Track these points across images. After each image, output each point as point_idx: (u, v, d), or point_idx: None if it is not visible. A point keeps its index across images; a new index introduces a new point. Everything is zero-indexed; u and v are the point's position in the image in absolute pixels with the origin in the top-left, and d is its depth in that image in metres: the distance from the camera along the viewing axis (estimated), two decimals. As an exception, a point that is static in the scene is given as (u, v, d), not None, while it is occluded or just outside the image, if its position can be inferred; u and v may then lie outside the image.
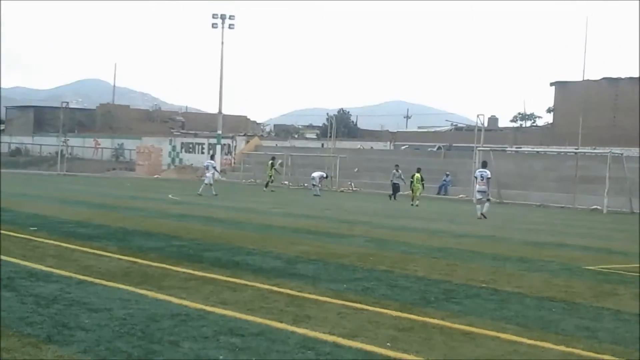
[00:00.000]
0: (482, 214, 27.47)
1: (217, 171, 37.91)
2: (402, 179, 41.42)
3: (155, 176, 66.49)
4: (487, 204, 28.14)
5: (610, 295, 10.50)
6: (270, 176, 47.21)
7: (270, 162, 48.04)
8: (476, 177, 28.72)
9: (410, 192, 38.70)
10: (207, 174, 37.28)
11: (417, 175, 38.52)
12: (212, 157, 41.23)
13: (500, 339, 7.35)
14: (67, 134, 71.76)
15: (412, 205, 35.69)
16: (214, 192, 34.97)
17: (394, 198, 40.86)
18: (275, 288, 9.57)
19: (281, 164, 62.21)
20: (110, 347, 6.29)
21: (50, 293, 8.48)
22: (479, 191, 28.34)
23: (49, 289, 8.72)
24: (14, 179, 43.74)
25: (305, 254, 13.38)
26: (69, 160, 68.23)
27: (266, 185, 46.41)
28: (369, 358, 6.41)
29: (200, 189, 35.61)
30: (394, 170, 42.13)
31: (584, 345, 7.29)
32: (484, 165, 29.41)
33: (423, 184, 39.16)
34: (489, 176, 28.28)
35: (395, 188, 41.55)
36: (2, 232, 14.47)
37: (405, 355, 6.52)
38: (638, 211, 38.64)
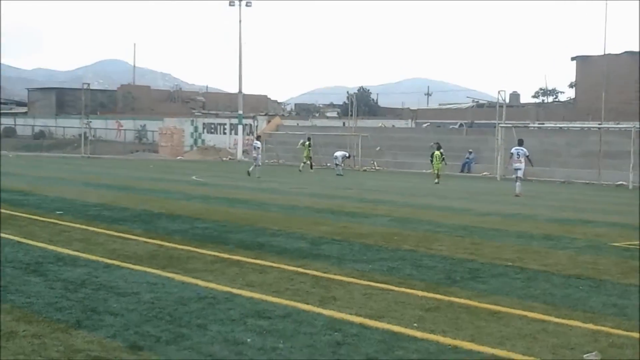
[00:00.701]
0: (518, 194, 27.42)
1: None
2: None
3: (178, 157, 66.68)
4: (518, 183, 28.10)
5: (637, 271, 10.42)
6: (309, 157, 47.48)
7: (307, 142, 48.24)
8: (512, 154, 28.70)
9: (432, 169, 38.38)
10: (255, 154, 37.55)
11: (437, 152, 37.95)
12: (258, 138, 40.81)
13: (528, 318, 7.34)
14: (90, 116, 72.08)
15: (436, 183, 35.52)
16: (257, 175, 35.07)
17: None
18: (300, 269, 9.60)
19: (303, 144, 62.29)
20: (139, 331, 6.35)
21: (78, 277, 8.56)
22: (516, 169, 28.43)
23: (77, 274, 8.80)
24: (38, 163, 44.10)
25: (329, 234, 13.39)
26: (93, 142, 68.53)
27: (310, 167, 46.81)
28: (397, 338, 6.42)
29: (251, 168, 36.19)
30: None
31: (612, 322, 7.26)
32: (520, 143, 29.35)
33: (444, 161, 38.63)
34: (527, 154, 28.42)
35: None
36: (29, 216, 14.62)
37: (432, 336, 6.53)
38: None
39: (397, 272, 9.73)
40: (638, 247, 13.20)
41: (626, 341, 6.62)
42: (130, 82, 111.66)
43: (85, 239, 11.90)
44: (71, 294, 7.68)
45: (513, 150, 28.99)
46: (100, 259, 9.87)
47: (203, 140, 74.09)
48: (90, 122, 70.56)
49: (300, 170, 43.32)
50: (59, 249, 10.61)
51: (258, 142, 39.18)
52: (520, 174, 28.35)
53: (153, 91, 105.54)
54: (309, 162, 47.52)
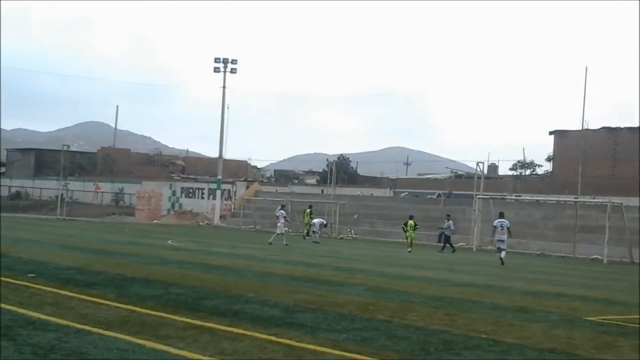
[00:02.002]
0: (500, 258, 29.43)
1: (286, 220, 38.04)
2: (452, 230, 41.35)
3: (155, 221, 66.43)
4: (504, 252, 29.98)
5: (611, 346, 10.44)
6: (308, 224, 47.24)
7: (308, 210, 48.59)
8: (495, 227, 30.46)
9: (406, 239, 38.88)
10: (279, 224, 37.28)
11: (411, 222, 38.89)
12: (283, 207, 40.17)
13: (500, 393, 7.30)
14: (68, 178, 71.90)
15: (409, 251, 36.00)
16: (284, 242, 35.37)
17: (448, 248, 40.09)
18: (273, 338, 9.51)
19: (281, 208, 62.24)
20: (107, 398, 6.24)
21: (48, 342, 8.43)
22: (499, 240, 30.24)
23: (47, 338, 8.66)
24: (13, 224, 43.71)
25: (304, 302, 13.32)
26: (69, 204, 68.24)
27: (307, 234, 46.65)
28: (368, 412, 6.36)
29: (272, 238, 36.32)
30: (449, 222, 41.52)
31: (584, 399, 7.24)
32: (502, 215, 31.38)
33: (416, 230, 39.56)
34: (509, 225, 30.57)
35: (447, 238, 40.96)
36: (1, 278, 14.43)
37: (404, 409, 6.47)
38: (638, 261, 38.58)
39: (371, 342, 9.67)
40: (611, 321, 13.24)
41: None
42: (111, 144, 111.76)
43: (57, 302, 11.75)
44: None
45: (496, 222, 30.58)
46: (71, 324, 9.73)
47: (181, 205, 73.94)
48: (68, 183, 70.37)
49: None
50: (30, 313, 10.47)
51: (283, 211, 38.82)
52: (504, 245, 30.15)
53: (133, 154, 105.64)
54: (308, 228, 47.67)
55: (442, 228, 42.62)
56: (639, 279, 24.59)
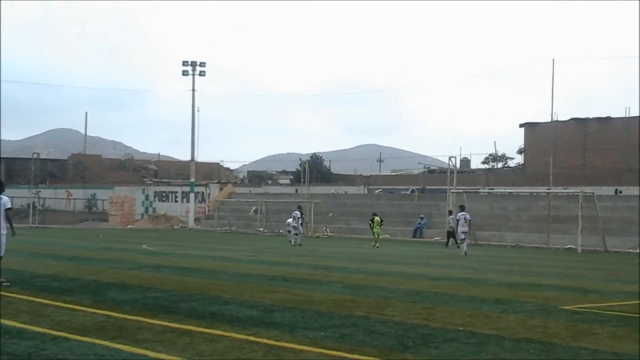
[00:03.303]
0: (465, 250, 31.02)
1: (303, 222, 39.69)
2: (451, 225, 41.40)
3: (129, 226, 66.07)
4: (465, 245, 31.49)
5: (587, 334, 10.53)
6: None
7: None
8: (458, 220, 31.84)
9: (373, 235, 39.85)
10: (295, 224, 39.15)
11: (377, 218, 40.08)
12: (299, 208, 41.49)
13: (479, 384, 7.35)
14: (39, 185, 71.29)
15: (374, 246, 37.26)
16: (298, 243, 37.82)
17: (449, 244, 40.10)
18: (252, 338, 9.50)
19: (255, 211, 62.19)
20: (86, 404, 6.20)
21: (25, 350, 8.37)
22: (463, 232, 31.65)
23: (23, 347, 8.59)
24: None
25: (281, 301, 13.32)
26: (41, 212, 67.69)
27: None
28: (349, 407, 6.37)
29: (298, 240, 38.44)
30: (451, 216, 41.44)
31: (562, 387, 7.30)
32: (463, 208, 32.88)
33: (381, 226, 40.75)
34: (469, 218, 32.05)
35: (451, 234, 40.87)
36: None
37: (384, 403, 6.49)
38: (612, 250, 38.99)
39: (350, 339, 9.69)
40: (587, 309, 13.36)
41: (576, 404, 6.65)
42: (81, 150, 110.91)
43: (32, 310, 11.65)
44: (16, 368, 7.50)
45: (459, 215, 32.01)
46: (48, 331, 9.66)
47: (154, 209, 73.60)
48: (39, 191, 69.76)
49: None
50: (5, 322, 10.37)
51: (298, 212, 40.23)
52: (467, 237, 31.99)
53: (104, 160, 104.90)
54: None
55: (420, 224, 42.73)
56: (612, 267, 24.83)
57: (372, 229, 40.15)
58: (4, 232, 15.32)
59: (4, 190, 15.86)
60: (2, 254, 15.20)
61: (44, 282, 16.13)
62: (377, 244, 37.94)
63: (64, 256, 25.24)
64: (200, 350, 8.64)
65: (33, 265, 20.94)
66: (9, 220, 15.53)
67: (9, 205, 15.66)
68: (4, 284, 15.00)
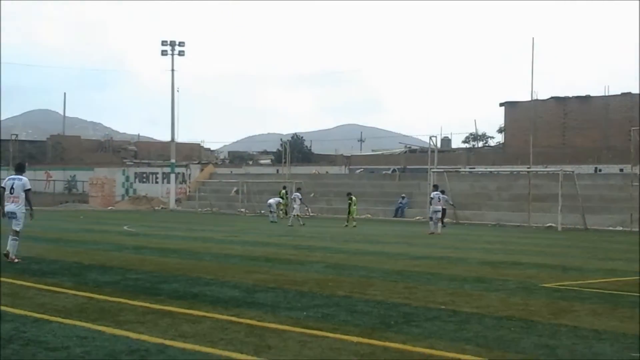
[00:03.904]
0: (437, 227, 31.85)
1: (303, 203, 40.22)
2: (452, 204, 41.69)
3: (110, 207, 65.76)
4: (440, 224, 32.31)
5: (567, 312, 10.62)
6: (285, 205, 49.26)
7: (284, 191, 50.62)
8: (432, 198, 32.33)
9: (348, 214, 39.94)
10: (295, 205, 39.15)
11: (354, 198, 40.34)
12: (299, 190, 41.50)
13: (461, 361, 7.39)
14: (18, 168, 70.69)
15: (348, 226, 37.68)
16: (301, 223, 37.79)
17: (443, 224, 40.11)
18: (234, 318, 9.50)
19: (236, 192, 62.09)
20: (68, 386, 6.18)
21: (6, 333, 8.32)
22: (436, 211, 32.11)
23: (4, 329, 8.54)
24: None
25: (263, 282, 13.33)
26: (21, 194, 67.16)
27: (286, 214, 47.71)
28: (332, 386, 6.38)
29: (290, 221, 38.36)
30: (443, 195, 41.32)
31: (543, 364, 7.35)
32: (436, 187, 33.96)
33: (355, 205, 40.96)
34: (445, 197, 33.06)
35: (443, 213, 40.63)
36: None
37: (367, 382, 6.51)
38: (591, 228, 39.28)
39: (332, 318, 9.71)
40: (567, 287, 13.47)
41: (557, 381, 6.71)
42: (60, 132, 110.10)
43: (13, 293, 11.59)
44: (-3, 351, 7.46)
45: (434, 194, 32.65)
46: (29, 314, 9.61)
47: (135, 190, 73.26)
48: (19, 173, 69.16)
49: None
50: (-15, 304, 10.31)
51: (298, 194, 40.30)
52: (439, 215, 32.69)
53: (83, 141, 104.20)
54: (285, 209, 48.97)
55: (401, 203, 42.65)
56: (592, 245, 25.03)
57: (349, 208, 40.04)
58: (23, 210, 16.49)
59: (25, 172, 16.99)
60: (19, 229, 16.39)
61: (25, 264, 16.03)
62: (348, 224, 38.16)
63: (45, 238, 25.08)
64: (182, 331, 8.63)
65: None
66: (28, 201, 16.57)
67: (29, 187, 16.62)
68: (15, 261, 16.04)
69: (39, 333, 8.37)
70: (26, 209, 16.59)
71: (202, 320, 9.34)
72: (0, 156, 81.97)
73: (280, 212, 48.44)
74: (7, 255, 16.15)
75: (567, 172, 42.24)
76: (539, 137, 55.55)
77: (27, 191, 16.49)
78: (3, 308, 10.04)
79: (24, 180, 16.53)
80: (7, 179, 16.87)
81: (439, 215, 32.54)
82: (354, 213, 39.86)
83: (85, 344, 7.80)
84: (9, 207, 16.40)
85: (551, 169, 46.25)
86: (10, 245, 16.33)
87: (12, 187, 16.41)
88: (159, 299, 11.03)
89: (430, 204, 32.73)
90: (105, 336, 8.25)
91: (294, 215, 38.68)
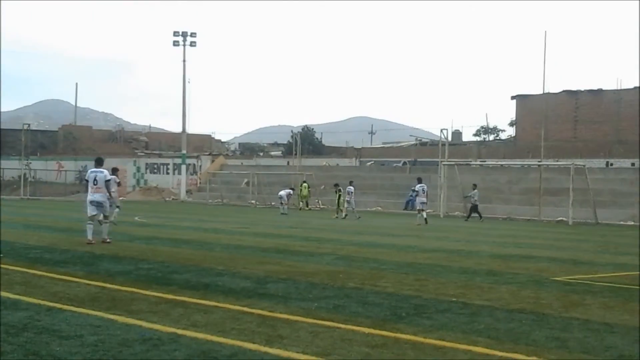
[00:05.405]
0: (425, 220, 33.47)
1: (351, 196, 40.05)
2: (476, 199, 41.62)
3: (120, 198, 65.83)
4: (425, 213, 34.20)
5: (578, 305, 10.62)
6: (305, 197, 51.97)
7: (305, 183, 52.74)
8: (417, 191, 34.78)
9: (337, 206, 41.34)
10: (348, 199, 39.61)
11: (342, 189, 41.33)
12: (351, 184, 41.18)
13: (472, 352, 7.40)
14: (30, 157, 70.99)
15: (338, 217, 39.09)
16: (342, 216, 38.96)
17: (474, 217, 40.33)
18: (246, 309, 9.54)
19: (247, 183, 62.17)
20: (82, 374, 6.23)
21: (20, 321, 8.38)
22: (422, 202, 34.49)
23: (18, 317, 8.61)
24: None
25: (274, 273, 13.36)
26: (32, 183, 67.46)
27: (307, 205, 51.64)
28: (343, 377, 6.41)
29: (344, 215, 39.20)
30: (475, 191, 41.47)
31: (554, 355, 7.36)
32: (420, 180, 35.54)
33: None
34: (427, 189, 35.02)
35: (474, 208, 40.78)
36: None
37: (379, 373, 6.53)
38: (603, 222, 39.17)
39: (343, 309, 9.74)
40: (578, 280, 13.46)
41: (569, 373, 6.71)
42: (72, 122, 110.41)
43: (26, 282, 11.67)
44: (12, 338, 7.51)
45: (418, 187, 34.78)
46: (42, 302, 9.67)
47: (146, 181, 73.47)
48: (30, 163, 69.49)
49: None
50: (-1, 293, 10.38)
51: (352, 187, 40.47)
52: (425, 207, 34.65)
53: (95, 131, 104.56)
54: (305, 201, 51.59)
55: (411, 196, 42.80)
56: (603, 239, 24.97)
57: (338, 199, 41.08)
58: (106, 199, 18.90)
59: (103, 164, 19.36)
60: (107, 214, 19.27)
61: (37, 253, 16.14)
62: (338, 216, 39.48)
63: (57, 228, 25.24)
64: (194, 320, 8.67)
65: (25, 236, 20.93)
66: (108, 190, 18.93)
67: (109, 178, 18.98)
68: (107, 241, 18.76)
69: (52, 321, 8.43)
70: (107, 197, 18.98)
71: (214, 310, 9.39)
72: (0, 145, 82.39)
73: (301, 203, 49.96)
74: (103, 240, 18.80)
75: (579, 166, 42.13)
76: (551, 130, 55.39)
77: (107, 182, 18.76)
78: (16, 297, 10.11)
79: (104, 172, 18.89)
80: (89, 172, 19.17)
81: (425, 206, 34.57)
82: (343, 204, 40.48)
83: (98, 333, 7.85)
84: (93, 196, 18.60)
85: (562, 162, 46.12)
86: (104, 229, 19.03)
87: (95, 179, 18.61)
88: (171, 289, 11.08)
89: (416, 196, 35.23)
90: (118, 325, 8.30)
91: (351, 209, 39.41)
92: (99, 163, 19.41)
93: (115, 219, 22.27)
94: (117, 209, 23.09)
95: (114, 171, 21.05)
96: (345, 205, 39.60)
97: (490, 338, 8.10)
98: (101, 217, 19.01)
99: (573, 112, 64.49)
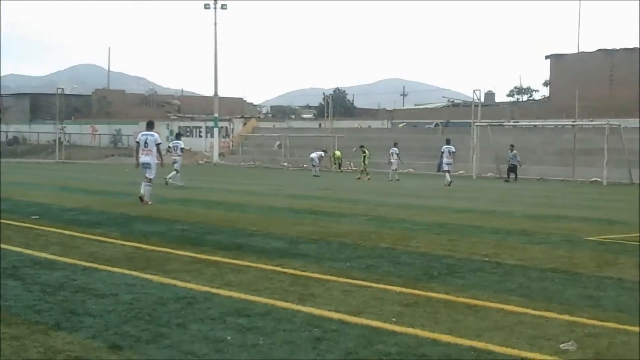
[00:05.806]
0: (449, 180, 33.21)
1: (399, 158, 40.51)
2: (519, 160, 41.87)
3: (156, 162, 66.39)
4: (448, 175, 33.85)
5: (612, 264, 10.56)
6: (339, 158, 53.05)
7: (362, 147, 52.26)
8: (443, 152, 34.36)
9: (363, 167, 41.95)
10: (392, 160, 39.81)
11: (368, 152, 42.52)
12: (396, 145, 41.44)
13: (505, 311, 7.41)
14: (64, 121, 71.65)
15: (361, 178, 39.76)
16: (396, 178, 38.73)
17: (512, 179, 40.98)
18: (278, 268, 9.62)
19: (279, 146, 62.30)
20: (119, 331, 6.34)
21: (56, 280, 8.53)
22: (448, 163, 34.19)
23: (55, 277, 8.76)
24: (12, 168, 43.73)
25: (307, 234, 13.43)
26: (67, 147, 68.24)
27: (339, 167, 52.88)
28: (376, 333, 6.46)
29: (390, 175, 39.24)
30: (514, 152, 41.91)
31: (587, 313, 7.34)
32: (448, 142, 34.79)
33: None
34: (454, 150, 34.44)
35: (513, 168, 41.45)
36: (3, 221, 14.48)
37: (411, 330, 6.58)
38: (637, 182, 38.75)
39: (375, 269, 9.78)
40: (612, 240, 13.37)
41: (602, 331, 6.71)
42: (105, 86, 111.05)
43: (62, 242, 11.84)
44: (49, 297, 7.65)
45: (444, 148, 34.34)
46: (78, 262, 9.82)
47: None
48: (65, 127, 70.18)
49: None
50: (36, 253, 10.56)
51: (396, 148, 40.60)
52: (451, 168, 34.36)
53: (128, 95, 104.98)
54: (338, 163, 52.83)
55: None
56: (639, 198, 24.72)
57: (364, 161, 41.66)
58: (157, 161, 19.44)
59: (154, 128, 20.11)
60: (152, 177, 19.43)
61: (73, 215, 16.35)
62: (361, 177, 40.00)
63: (92, 190, 25.52)
64: (227, 280, 8.76)
65: (61, 199, 21.20)
66: (159, 153, 19.44)
67: (159, 141, 19.51)
68: (148, 203, 18.92)
69: (88, 280, 8.57)
70: (157, 160, 19.45)
71: (247, 270, 9.47)
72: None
73: (334, 165, 50.49)
74: (141, 198, 18.99)
75: (614, 126, 41.58)
76: (585, 90, 54.56)
77: (158, 145, 19.29)
78: (53, 257, 10.28)
79: (155, 135, 19.46)
80: (140, 134, 19.67)
81: (450, 167, 34.22)
82: (367, 165, 41.05)
83: (133, 291, 7.97)
84: (143, 158, 19.28)
85: (597, 122, 45.55)
86: (145, 191, 19.21)
87: (145, 142, 19.20)
88: (205, 250, 11.19)
89: (441, 157, 35.06)
90: (152, 284, 8.42)
91: (393, 170, 39.21)
92: (150, 126, 20.07)
93: (177, 182, 25.11)
94: (176, 173, 25.50)
95: (178, 136, 21.43)
96: (393, 167, 39.39)
97: (523, 297, 8.09)
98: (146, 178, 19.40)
99: (608, 71, 63.44)
